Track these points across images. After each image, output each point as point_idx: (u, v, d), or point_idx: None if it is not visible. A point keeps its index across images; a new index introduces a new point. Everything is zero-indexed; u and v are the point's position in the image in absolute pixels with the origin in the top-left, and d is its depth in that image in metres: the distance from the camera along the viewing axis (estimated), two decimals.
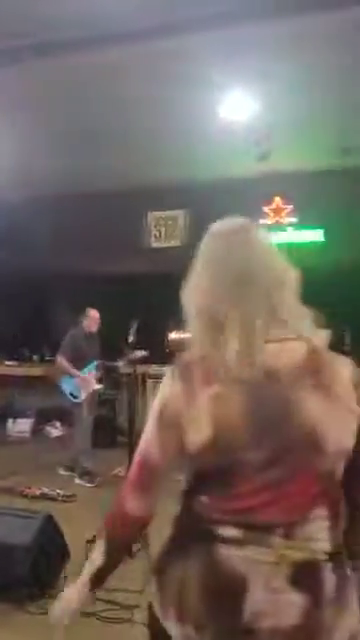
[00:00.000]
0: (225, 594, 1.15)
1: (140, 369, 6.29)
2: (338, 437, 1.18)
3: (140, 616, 3.07)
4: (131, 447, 4.85)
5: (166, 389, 1.26)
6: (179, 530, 1.28)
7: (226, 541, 1.16)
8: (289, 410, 1.16)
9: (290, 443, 1.16)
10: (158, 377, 7.52)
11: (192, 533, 1.22)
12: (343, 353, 1.30)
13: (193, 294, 1.30)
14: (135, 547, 3.76)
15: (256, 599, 1.14)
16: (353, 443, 1.20)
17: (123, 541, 1.38)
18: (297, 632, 1.14)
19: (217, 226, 1.35)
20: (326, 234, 8.06)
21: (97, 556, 1.35)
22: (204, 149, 7.00)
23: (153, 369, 7.28)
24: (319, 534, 1.18)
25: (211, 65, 5.09)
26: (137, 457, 1.29)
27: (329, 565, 1.18)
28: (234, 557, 1.15)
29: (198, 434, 1.17)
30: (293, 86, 5.59)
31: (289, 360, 1.20)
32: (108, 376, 6.50)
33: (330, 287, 6.84)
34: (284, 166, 7.46)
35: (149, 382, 7.62)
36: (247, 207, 6.23)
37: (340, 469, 1.21)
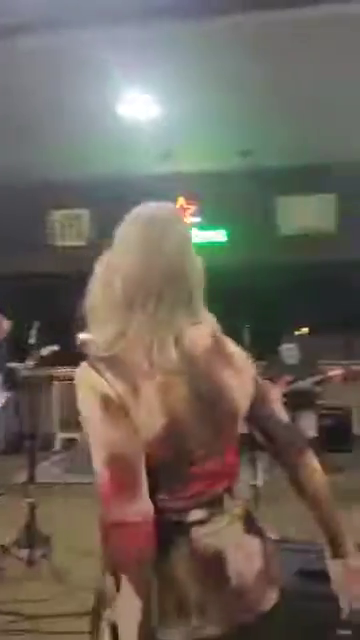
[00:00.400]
0: (213, 572, 1.21)
1: (46, 371, 6.12)
2: (246, 403, 1.33)
3: (46, 626, 2.98)
4: (32, 452, 4.71)
5: (97, 386, 1.16)
6: None
7: (195, 524, 1.21)
8: (216, 388, 1.26)
9: (222, 417, 1.26)
10: (66, 379, 7.37)
11: (161, 531, 1.17)
12: (243, 348, 1.41)
13: (115, 278, 1.24)
14: (38, 553, 3.66)
15: (237, 564, 1.23)
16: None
17: (145, 561, 1.12)
18: (264, 574, 1.27)
19: (148, 210, 1.31)
20: (228, 234, 8.29)
21: (130, 607, 1.10)
22: (106, 147, 6.95)
23: (60, 371, 7.12)
24: (239, 486, 1.34)
25: (111, 62, 5.06)
26: (104, 465, 1.14)
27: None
28: (206, 535, 1.22)
29: (152, 427, 1.16)
30: (193, 87, 5.69)
31: (203, 344, 1.28)
32: (9, 379, 6.27)
33: (232, 286, 7.04)
34: (187, 166, 7.59)
35: (56, 384, 7.44)
36: None
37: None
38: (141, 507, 1.13)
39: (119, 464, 1.14)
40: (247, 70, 5.37)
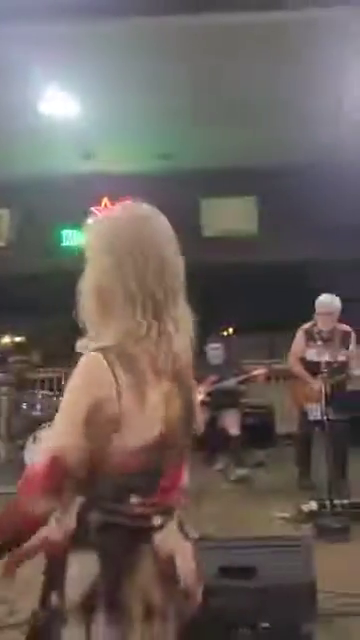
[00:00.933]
0: (169, 576, 1.24)
1: None
2: None
3: None
4: None
5: (101, 381, 1.13)
6: (111, 542, 1.17)
7: (155, 529, 1.23)
8: (193, 402, 1.31)
9: (191, 432, 1.31)
10: None
11: (129, 539, 1.19)
12: None
13: (109, 279, 1.19)
14: None
15: (182, 566, 1.27)
16: None
17: (19, 540, 1.17)
18: (196, 574, 1.32)
19: (128, 208, 1.29)
20: None
21: None
22: (27, 145, 6.79)
23: None
24: None
25: (31, 59, 4.95)
26: (50, 455, 1.13)
27: None
28: (162, 540, 1.23)
29: (150, 433, 1.16)
30: (114, 89, 5.67)
31: (188, 353, 1.28)
32: None
33: None
34: (110, 167, 7.53)
35: None
36: (75, 206, 6.19)
37: None
38: (46, 512, 1.14)
39: (59, 470, 1.13)
40: (167, 73, 5.41)
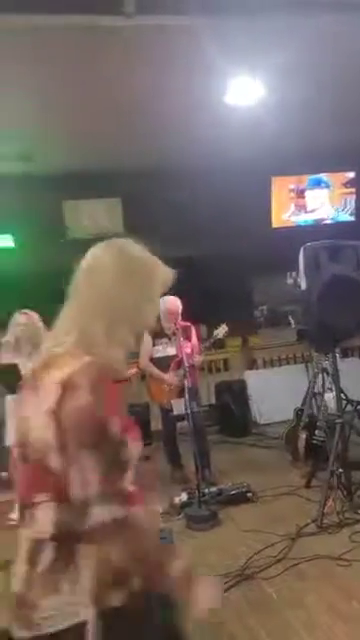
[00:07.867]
0: None
1: None
2: None
3: None
4: None
5: None
6: None
7: None
8: None
9: None
10: None
11: None
12: None
13: (115, 303, 1.33)
14: None
15: None
16: None
17: None
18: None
19: (123, 243, 1.44)
20: (16, 239, 8.05)
21: None
22: None
23: None
24: None
25: None
26: None
27: None
28: None
29: None
30: None
31: None
32: None
33: (24, 292, 6.86)
34: None
35: None
36: None
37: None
38: None
39: None
40: (26, 74, 5.24)
